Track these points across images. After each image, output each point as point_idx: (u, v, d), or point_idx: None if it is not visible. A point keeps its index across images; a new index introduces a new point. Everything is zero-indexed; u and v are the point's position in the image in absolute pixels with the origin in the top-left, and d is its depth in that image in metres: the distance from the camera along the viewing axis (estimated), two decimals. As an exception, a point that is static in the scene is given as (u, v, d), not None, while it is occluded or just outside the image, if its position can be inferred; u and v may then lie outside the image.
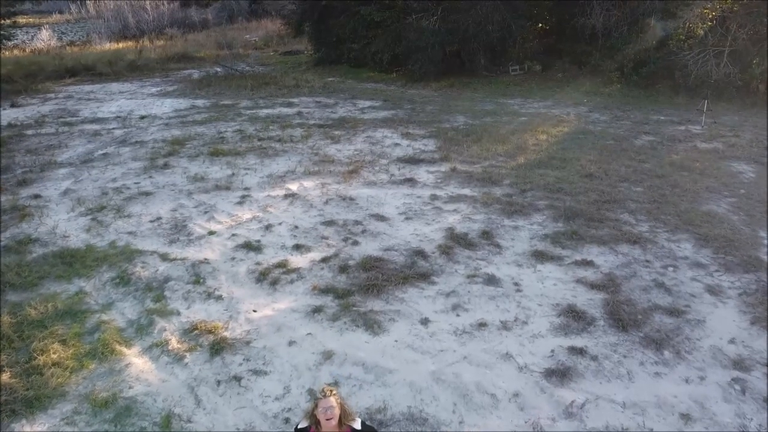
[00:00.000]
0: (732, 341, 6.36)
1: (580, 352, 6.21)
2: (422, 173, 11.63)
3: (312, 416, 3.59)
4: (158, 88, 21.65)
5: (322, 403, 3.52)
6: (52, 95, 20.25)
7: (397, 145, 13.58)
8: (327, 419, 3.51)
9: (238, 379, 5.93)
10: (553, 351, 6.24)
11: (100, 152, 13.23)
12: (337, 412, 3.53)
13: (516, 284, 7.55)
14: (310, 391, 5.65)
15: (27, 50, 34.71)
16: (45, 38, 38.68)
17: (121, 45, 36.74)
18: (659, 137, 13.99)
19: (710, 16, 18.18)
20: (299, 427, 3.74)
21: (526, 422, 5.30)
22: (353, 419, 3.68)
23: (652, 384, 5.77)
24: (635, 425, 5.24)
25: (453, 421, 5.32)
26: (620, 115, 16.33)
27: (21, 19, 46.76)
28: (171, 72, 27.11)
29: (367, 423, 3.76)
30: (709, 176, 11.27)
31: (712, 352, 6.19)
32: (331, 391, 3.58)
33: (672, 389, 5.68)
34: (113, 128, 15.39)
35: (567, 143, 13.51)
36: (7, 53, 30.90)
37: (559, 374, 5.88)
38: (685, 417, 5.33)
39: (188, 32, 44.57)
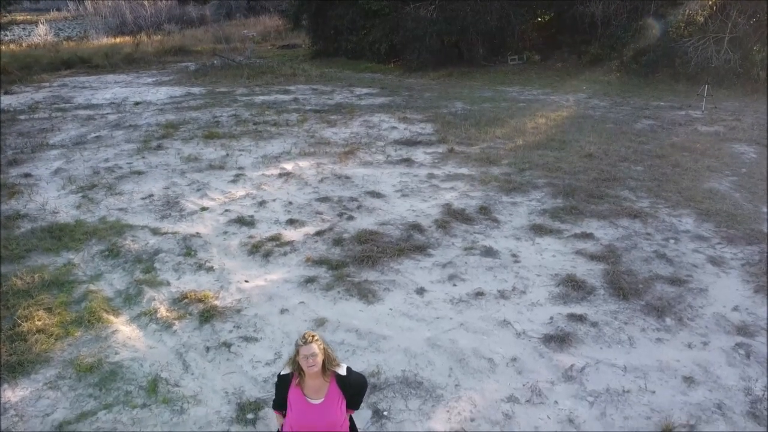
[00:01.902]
0: (735, 309, 6.20)
1: (579, 318, 6.04)
2: (419, 154, 11.47)
3: (294, 362, 3.41)
4: (154, 79, 21.49)
5: (303, 351, 3.32)
6: (47, 84, 20.09)
7: (394, 128, 13.42)
8: (308, 366, 3.33)
9: (227, 345, 5.76)
10: (551, 318, 6.08)
11: (93, 135, 13.06)
12: (319, 359, 3.34)
13: (514, 256, 7.39)
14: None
15: (23, 45, 34.51)
16: (42, 33, 38.43)
17: (118, 40, 36.53)
18: (659, 121, 13.84)
19: (710, 2, 18.04)
20: (281, 374, 3.55)
21: (524, 385, 5.13)
22: (338, 365, 3.49)
23: (653, 349, 5.60)
24: (637, 387, 5.07)
25: (449, 385, 5.15)
26: (620, 101, 16.18)
27: (18, 17, 46.62)
28: (168, 64, 26.96)
29: (354, 371, 3.57)
30: (710, 156, 11.12)
31: (715, 319, 6.03)
32: (312, 336, 3.36)
33: (674, 354, 5.52)
34: (107, 113, 15.23)
35: (566, 126, 13.36)
36: (3, 48, 30.73)
37: (558, 340, 5.72)
38: (688, 380, 5.16)
39: (186, 28, 44.42)
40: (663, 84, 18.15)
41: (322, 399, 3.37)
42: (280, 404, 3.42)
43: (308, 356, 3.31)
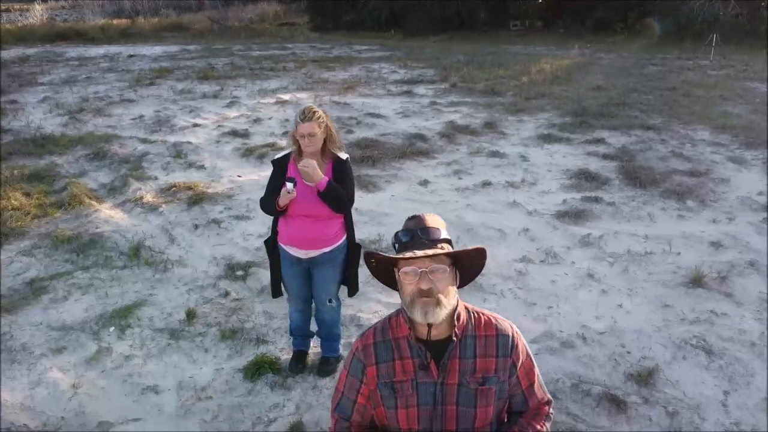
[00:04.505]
0: (761, 193, 5.81)
1: (594, 200, 5.66)
2: (421, 89, 11.08)
3: (293, 139, 3.01)
4: (149, 45, 21.06)
5: (302, 128, 2.90)
6: (39, 44, 19.66)
7: (394, 72, 13.05)
8: (306, 145, 2.93)
9: (217, 222, 5.36)
10: (564, 200, 5.69)
11: (84, 76, 12.66)
12: (318, 139, 2.94)
13: (522, 156, 7.00)
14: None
15: (18, 25, 34.07)
16: (37, 14, 37.93)
17: (114, 22, 36.07)
18: (667, 67, 13.46)
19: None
20: (276, 157, 3.15)
21: (537, 249, 4.74)
22: (340, 148, 3.09)
23: (676, 224, 5.21)
24: (660, 250, 4.67)
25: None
26: (625, 55, 15.80)
27: (15, 5, 46.24)
28: (164, 39, 26.47)
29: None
30: (722, 89, 10.74)
31: (740, 200, 5.64)
32: (313, 113, 2.95)
33: (699, 227, 5.12)
34: (99, 62, 14.82)
35: (571, 69, 13.00)
36: (-1, 28, 30.29)
37: (573, 215, 5.32)
38: (716, 244, 4.76)
39: (183, 13, 44.01)
40: (669, 42, 17.76)
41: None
42: (274, 192, 2.99)
43: (306, 135, 2.90)
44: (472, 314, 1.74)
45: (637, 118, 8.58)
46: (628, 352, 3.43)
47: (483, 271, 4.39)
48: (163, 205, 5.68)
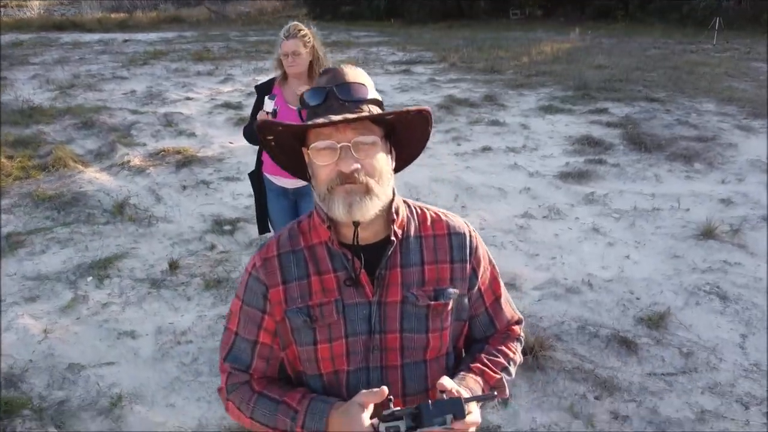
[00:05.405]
0: (770, 157, 5.60)
1: (598, 162, 5.45)
2: (419, 68, 10.86)
3: (279, 64, 2.82)
4: (146, 33, 20.84)
5: (285, 46, 2.72)
6: (34, 33, 19.43)
7: (393, 54, 12.83)
8: (289, 65, 2.74)
9: (206, 183, 5.16)
10: (567, 163, 5.48)
11: (77, 57, 12.43)
12: (303, 59, 2.75)
13: (523, 125, 6.79)
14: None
15: (15, 18, 33.89)
16: (35, 9, 37.73)
17: (112, 16, 35.88)
18: (670, 50, 13.24)
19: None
20: (259, 83, 2.95)
21: (540, 206, 4.53)
22: (327, 70, 2.89)
23: (683, 184, 5.01)
24: (668, 206, 4.47)
25: (455, 207, 4.53)
26: (626, 40, 15.55)
27: (13, 3, 46.17)
28: (163, 30, 26.27)
29: None
30: (727, 67, 10.51)
31: (749, 163, 5.44)
32: (298, 30, 2.76)
33: (707, 187, 4.92)
34: (94, 46, 14.60)
35: (572, 51, 12.77)
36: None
37: (576, 176, 5.12)
38: (726, 201, 4.56)
39: (182, 8, 43.82)
40: (671, 28, 17.53)
41: (304, 105, 2.76)
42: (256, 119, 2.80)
43: (289, 54, 2.71)
44: (414, 210, 1.22)
45: (640, 92, 8.36)
46: (638, 298, 3.23)
47: (482, 225, 4.20)
48: (151, 168, 5.48)
